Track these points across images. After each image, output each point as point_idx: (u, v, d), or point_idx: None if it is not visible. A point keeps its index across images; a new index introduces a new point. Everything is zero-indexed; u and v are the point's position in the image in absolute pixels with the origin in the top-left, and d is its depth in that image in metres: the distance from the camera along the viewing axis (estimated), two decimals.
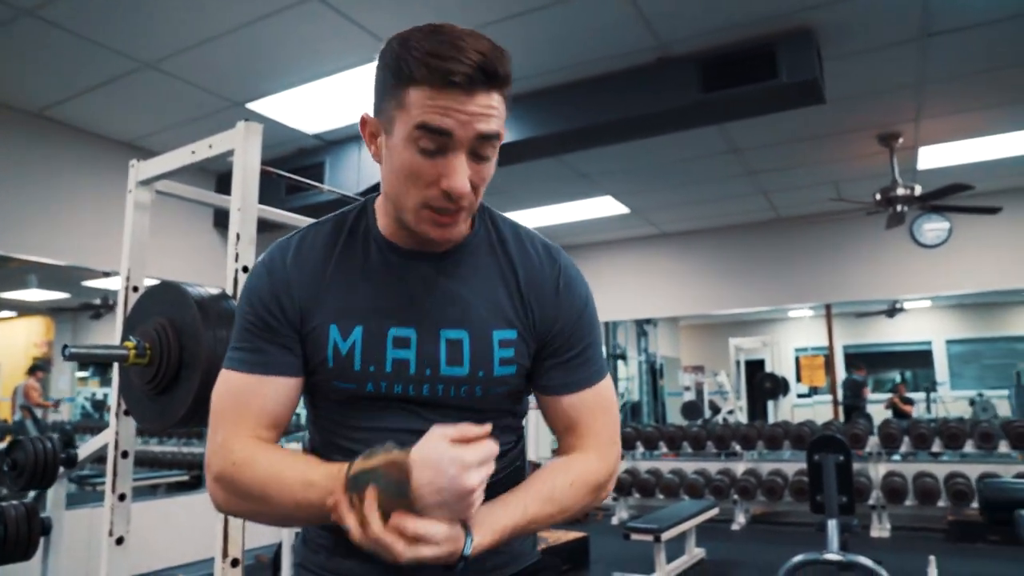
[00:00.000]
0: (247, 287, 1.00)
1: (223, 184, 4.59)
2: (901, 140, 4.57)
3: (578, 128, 3.77)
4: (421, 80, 0.84)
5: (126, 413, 2.31)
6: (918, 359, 11.50)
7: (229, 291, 2.07)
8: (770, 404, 10.06)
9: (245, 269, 2.11)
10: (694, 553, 4.75)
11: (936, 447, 5.56)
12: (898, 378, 11.01)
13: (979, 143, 4.78)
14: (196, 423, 1.97)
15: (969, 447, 5.48)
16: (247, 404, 0.94)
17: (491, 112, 0.87)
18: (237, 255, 2.10)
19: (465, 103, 0.85)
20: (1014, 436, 5.31)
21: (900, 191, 4.56)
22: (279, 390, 0.96)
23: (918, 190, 4.62)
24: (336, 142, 4.50)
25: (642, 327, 9.00)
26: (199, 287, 1.96)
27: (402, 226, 0.96)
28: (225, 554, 1.94)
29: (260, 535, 4.30)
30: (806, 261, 6.64)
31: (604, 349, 5.92)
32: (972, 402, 9.31)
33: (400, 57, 0.86)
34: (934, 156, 5.01)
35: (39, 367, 8.14)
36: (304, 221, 3.22)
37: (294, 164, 4.56)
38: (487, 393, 0.99)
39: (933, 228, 5.94)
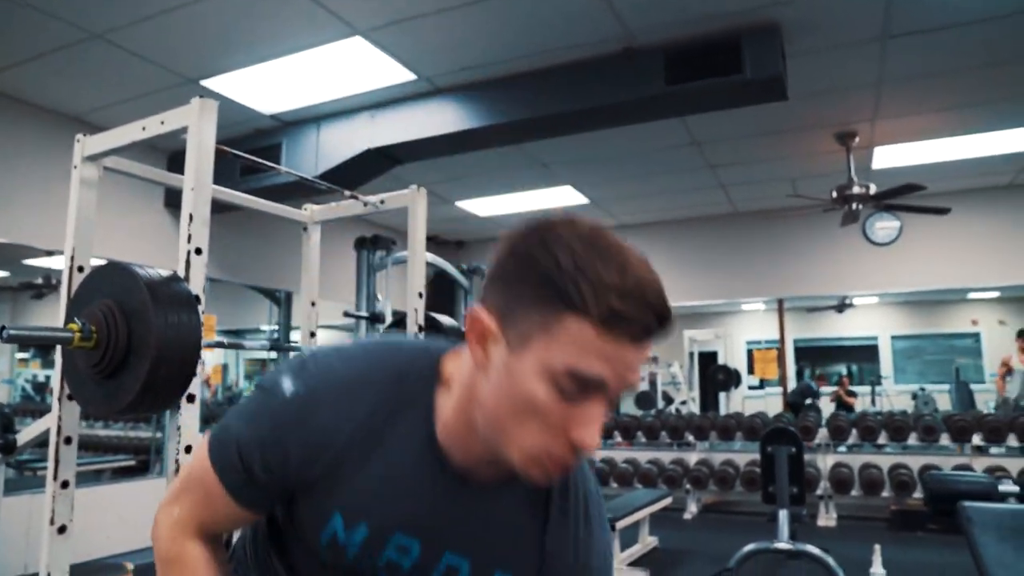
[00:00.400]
0: (263, 415, 0.86)
1: (175, 163, 4.43)
2: (858, 139, 4.66)
3: (541, 116, 3.74)
4: (592, 315, 0.70)
5: (69, 398, 2.21)
6: (864, 353, 11.84)
7: (181, 273, 1.99)
8: (722, 396, 10.25)
9: (198, 251, 2.04)
10: (647, 542, 4.81)
11: (882, 439, 5.72)
12: (844, 371, 11.29)
13: (932, 145, 4.91)
14: (144, 409, 1.90)
15: (913, 439, 5.65)
16: (212, 509, 0.90)
17: (642, 362, 0.75)
18: (190, 236, 2.03)
19: (631, 355, 0.72)
20: (955, 430, 5.50)
21: (855, 189, 4.65)
22: (242, 517, 0.91)
23: (872, 189, 4.72)
24: (293, 123, 4.38)
25: None
26: (149, 268, 1.88)
27: (471, 444, 0.83)
28: None
29: None
30: (761, 256, 6.75)
31: None
32: (914, 396, 9.61)
33: (566, 274, 0.70)
34: (888, 156, 5.13)
35: None
36: (260, 204, 3.13)
37: (249, 145, 4.43)
38: None
39: (884, 227, 6.09)
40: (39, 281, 7.21)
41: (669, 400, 9.99)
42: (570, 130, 3.99)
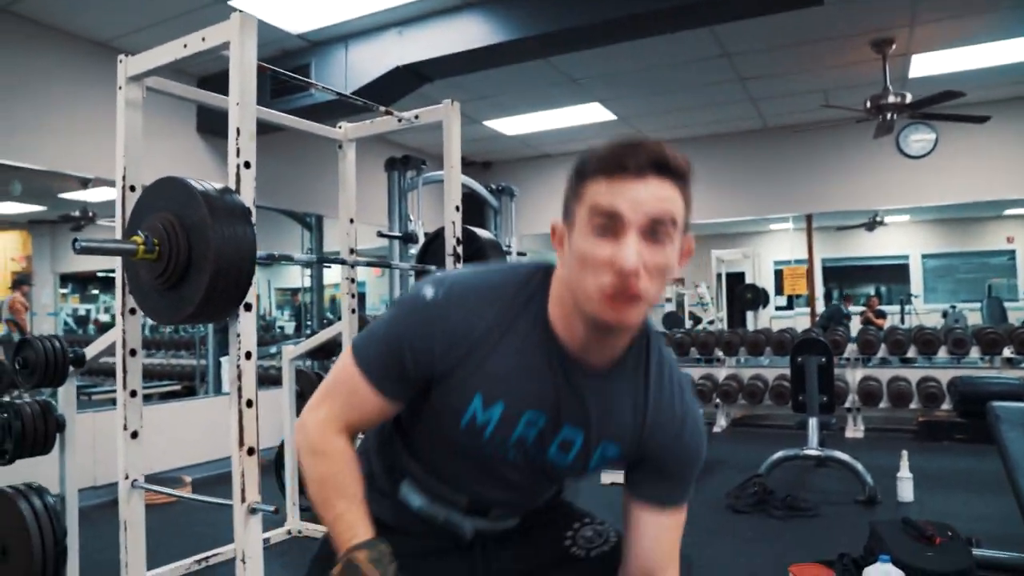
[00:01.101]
0: (410, 315, 1.04)
1: (205, 87, 4.44)
2: (894, 47, 4.52)
3: (569, 28, 3.67)
4: (597, 172, 0.92)
5: (131, 311, 2.33)
6: (894, 273, 11.74)
7: (232, 186, 2.06)
8: (749, 315, 10.29)
9: (247, 164, 2.10)
10: None
11: (911, 353, 5.76)
12: (872, 292, 11.20)
13: (972, 51, 4.74)
14: (205, 319, 2.00)
15: (943, 353, 5.68)
16: (358, 406, 1.07)
17: (663, 198, 0.91)
18: (238, 150, 2.08)
19: (637, 188, 0.90)
20: (985, 343, 5.51)
21: (891, 99, 4.55)
22: (385, 410, 1.08)
23: (908, 98, 4.61)
24: (322, 42, 4.35)
25: None
26: (203, 182, 1.94)
27: (574, 322, 0.99)
28: (241, 443, 2.01)
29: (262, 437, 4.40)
30: (791, 171, 6.66)
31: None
32: (945, 314, 9.54)
33: (583, 160, 0.95)
34: (926, 64, 4.98)
35: (22, 281, 8.09)
36: (297, 122, 3.16)
37: (278, 67, 4.41)
38: (565, 478, 1.20)
39: (919, 139, 5.97)
40: (76, 213, 7.36)
41: (697, 321, 10.07)
42: (599, 42, 3.92)
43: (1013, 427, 2.49)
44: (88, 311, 10.94)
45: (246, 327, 2.05)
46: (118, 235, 2.37)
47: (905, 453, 3.87)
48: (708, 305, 9.81)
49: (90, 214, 7.45)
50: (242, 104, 2.10)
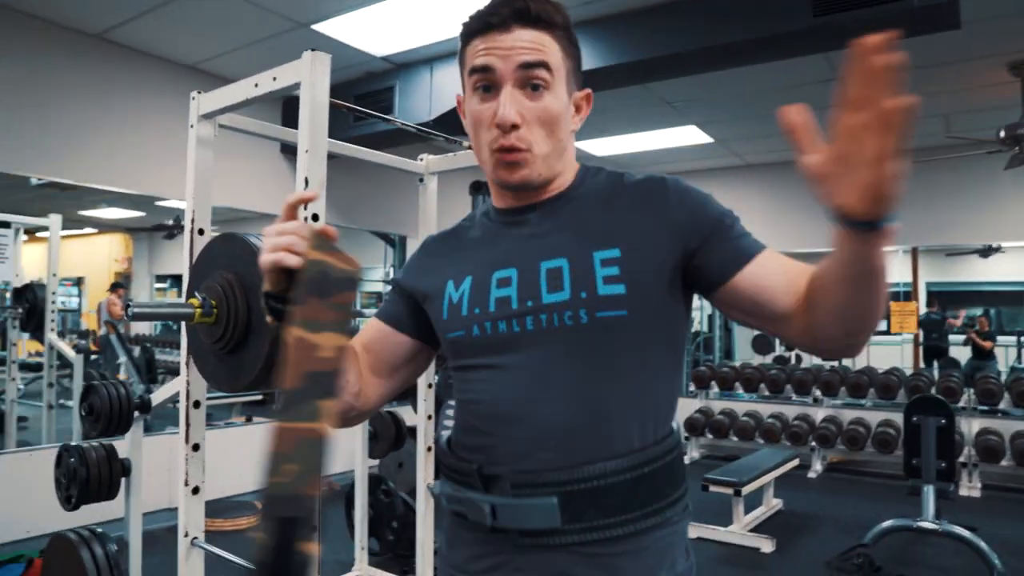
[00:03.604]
0: (407, 261, 1.16)
1: (289, 112, 4.40)
2: None
3: (671, 54, 3.41)
4: (470, 35, 0.95)
5: None
6: (1009, 300, 10.84)
7: None
8: None
9: (315, 218, 1.94)
10: (772, 504, 4.59)
11: None
12: (979, 313, 10.28)
13: None
14: (268, 385, 1.86)
15: None
16: (363, 333, 1.12)
17: (532, 45, 0.91)
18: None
19: (504, 39, 0.91)
20: None
21: None
22: (381, 331, 1.10)
23: None
24: (406, 65, 4.23)
25: None
26: None
27: (497, 192, 1.03)
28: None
29: (336, 462, 4.32)
30: (901, 199, 6.08)
31: None
32: None
33: (462, 26, 0.97)
34: None
35: (120, 284, 8.40)
36: (375, 156, 3.02)
37: (362, 89, 4.34)
38: (593, 317, 0.90)
39: None
40: (170, 222, 7.57)
41: (789, 346, 9.51)
42: (702, 69, 3.63)
43: None
44: None
45: None
46: (185, 278, 2.28)
47: None
48: None
49: (182, 223, 7.65)
50: (311, 150, 1.94)
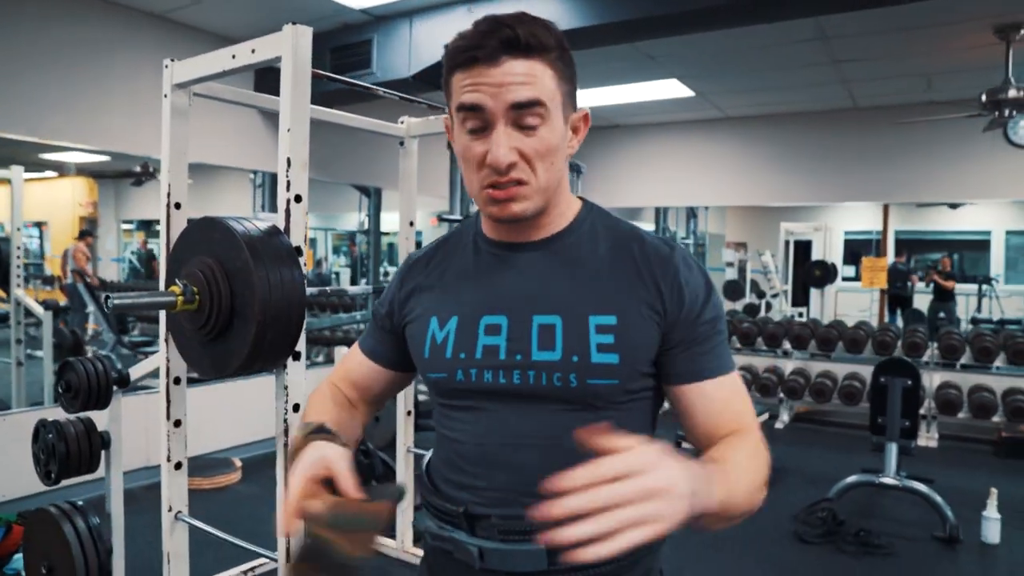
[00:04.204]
0: (388, 285, 1.13)
1: (263, 75, 4.22)
2: (1023, 31, 4.01)
3: (658, 15, 3.32)
4: (455, 67, 0.89)
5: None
6: (974, 248, 11.10)
7: (281, 225, 1.87)
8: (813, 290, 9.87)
9: (298, 198, 1.90)
10: None
11: (999, 362, 5.35)
12: (940, 258, 10.48)
13: None
14: (254, 371, 1.84)
15: None
16: (346, 365, 1.15)
17: (522, 79, 0.86)
18: (289, 183, 1.89)
19: (493, 74, 0.86)
20: None
21: (1012, 93, 4.05)
22: (367, 367, 1.12)
23: None
24: (385, 17, 4.08)
25: (692, 209, 8.69)
26: (246, 222, 1.76)
27: (489, 221, 1.00)
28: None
29: None
30: (875, 156, 6.08)
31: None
32: None
33: (445, 52, 0.91)
34: None
35: (87, 232, 8.20)
36: (356, 120, 2.94)
37: (338, 41, 4.19)
38: (584, 383, 0.90)
39: None
40: (137, 169, 7.35)
41: (760, 293, 9.66)
42: (689, 30, 3.55)
43: None
44: (152, 250, 11.01)
45: (295, 378, 1.90)
46: (163, 253, 2.24)
47: (995, 492, 3.57)
48: (772, 273, 9.35)
49: (151, 169, 7.43)
50: (293, 129, 1.88)
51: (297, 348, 1.85)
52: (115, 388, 2.39)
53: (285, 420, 1.89)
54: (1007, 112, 4.09)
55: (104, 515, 2.48)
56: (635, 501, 0.62)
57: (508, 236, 0.99)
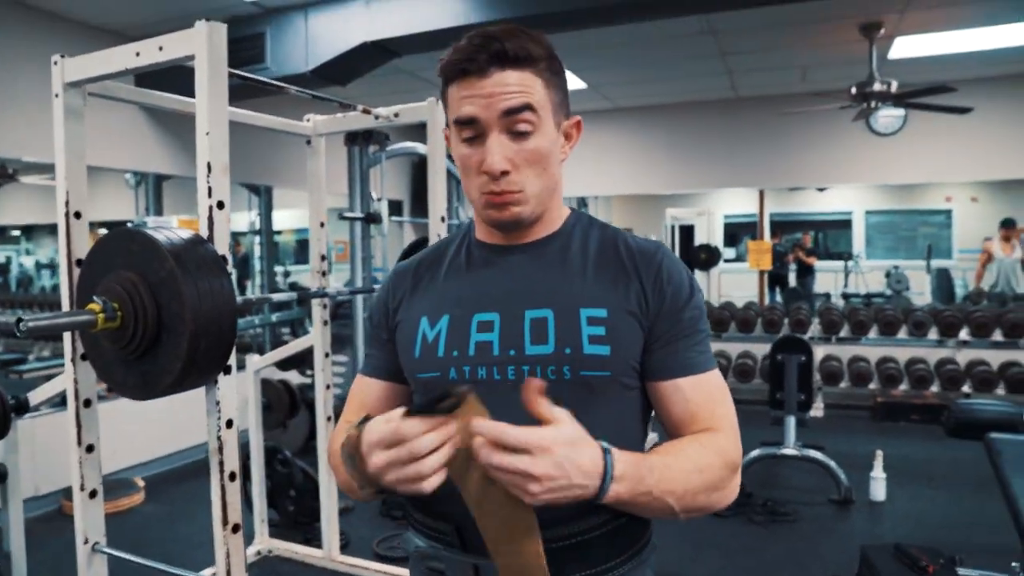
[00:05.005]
0: (375, 298, 1.13)
1: (146, 75, 3.92)
2: (882, 31, 4.36)
3: (553, 12, 3.38)
4: (449, 79, 0.93)
5: (83, 357, 2.04)
6: (839, 227, 11.99)
7: (204, 233, 1.78)
8: (700, 273, 10.37)
9: (220, 205, 1.81)
10: (649, 438, 4.90)
11: (872, 334, 5.82)
12: (809, 238, 11.24)
13: (956, 36, 4.62)
14: (187, 388, 1.73)
15: (903, 333, 5.76)
16: (354, 397, 1.10)
17: (512, 89, 0.89)
18: (210, 189, 1.79)
19: (484, 85, 0.90)
20: (944, 325, 5.61)
21: (876, 87, 4.41)
22: (379, 388, 1.08)
23: (894, 86, 4.48)
24: (278, 10, 3.92)
25: (583, 198, 8.90)
26: (166, 231, 1.66)
27: (485, 225, 1.02)
28: (225, 522, 1.79)
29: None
30: (752, 144, 6.46)
31: None
32: (888, 274, 9.77)
33: (441, 66, 0.94)
34: (906, 47, 4.85)
35: None
36: (263, 119, 2.80)
37: (229, 36, 3.97)
38: (577, 375, 0.91)
39: (888, 115, 5.90)
40: None
41: None
42: (583, 26, 3.61)
43: (1014, 464, 2.46)
44: (8, 259, 10.06)
45: (227, 392, 1.81)
46: (64, 268, 2.07)
47: (880, 454, 3.90)
48: None
49: (10, 171, 6.80)
50: (213, 133, 1.79)
51: (228, 362, 1.77)
52: (12, 415, 2.19)
53: (219, 437, 1.80)
54: (872, 104, 4.44)
55: (3, 555, 2.29)
56: (539, 477, 0.73)
57: (500, 240, 1.02)
